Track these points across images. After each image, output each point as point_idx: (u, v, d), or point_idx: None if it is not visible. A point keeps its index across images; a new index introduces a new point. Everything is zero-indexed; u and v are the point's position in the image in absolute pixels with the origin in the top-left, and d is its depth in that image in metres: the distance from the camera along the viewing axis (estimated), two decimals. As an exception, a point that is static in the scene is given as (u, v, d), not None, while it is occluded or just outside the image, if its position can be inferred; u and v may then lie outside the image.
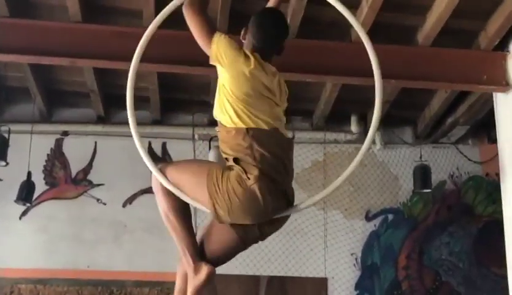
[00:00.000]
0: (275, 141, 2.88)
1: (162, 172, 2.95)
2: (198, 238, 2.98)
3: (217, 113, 2.94)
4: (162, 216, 2.99)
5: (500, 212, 6.87)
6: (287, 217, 3.02)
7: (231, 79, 2.86)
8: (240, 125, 2.83)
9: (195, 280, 2.90)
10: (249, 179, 2.76)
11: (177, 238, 2.95)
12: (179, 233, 2.93)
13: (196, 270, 2.90)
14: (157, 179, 2.96)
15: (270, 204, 2.80)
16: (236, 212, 2.79)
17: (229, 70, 2.87)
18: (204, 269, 2.89)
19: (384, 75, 4.94)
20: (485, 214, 7.07)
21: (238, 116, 2.84)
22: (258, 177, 2.75)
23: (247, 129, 2.82)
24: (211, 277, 2.90)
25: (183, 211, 2.96)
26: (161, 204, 2.99)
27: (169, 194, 2.93)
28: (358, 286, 6.79)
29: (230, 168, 2.83)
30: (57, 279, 6.48)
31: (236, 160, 2.82)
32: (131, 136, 6.68)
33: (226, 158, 2.90)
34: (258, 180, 2.75)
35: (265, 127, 2.86)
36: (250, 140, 2.80)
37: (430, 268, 6.92)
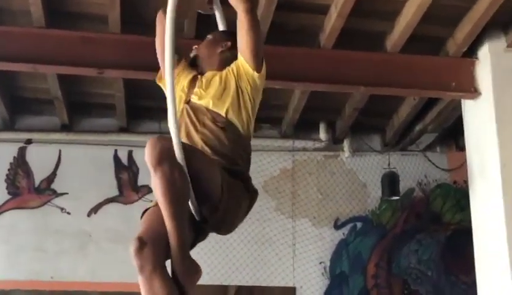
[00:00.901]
0: None
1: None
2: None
3: (232, 113, 2.94)
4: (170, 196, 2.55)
5: (467, 220, 6.91)
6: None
7: (257, 89, 3.00)
8: (249, 135, 2.99)
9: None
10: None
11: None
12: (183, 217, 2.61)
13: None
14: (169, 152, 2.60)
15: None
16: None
17: (261, 80, 2.98)
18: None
19: (353, 82, 5.01)
20: (454, 221, 7.09)
21: (248, 127, 2.97)
22: None
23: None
24: None
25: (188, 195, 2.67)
26: (176, 179, 2.58)
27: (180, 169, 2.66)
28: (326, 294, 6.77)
29: None
30: (19, 290, 6.33)
31: None
32: (96, 144, 6.70)
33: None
34: None
35: None
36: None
37: (398, 277, 6.92)
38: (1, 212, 6.50)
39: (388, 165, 6.74)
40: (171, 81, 2.69)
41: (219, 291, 6.47)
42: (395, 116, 6.69)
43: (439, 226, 7.10)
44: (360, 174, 7.05)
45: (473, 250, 6.68)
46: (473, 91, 4.98)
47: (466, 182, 6.97)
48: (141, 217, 2.80)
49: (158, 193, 2.56)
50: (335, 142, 7.04)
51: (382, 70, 5.00)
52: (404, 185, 6.88)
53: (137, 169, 6.75)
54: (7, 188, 6.59)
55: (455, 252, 6.98)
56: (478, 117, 5.00)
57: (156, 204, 2.67)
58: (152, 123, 6.71)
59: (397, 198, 6.75)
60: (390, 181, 6.59)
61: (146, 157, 2.60)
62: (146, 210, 2.82)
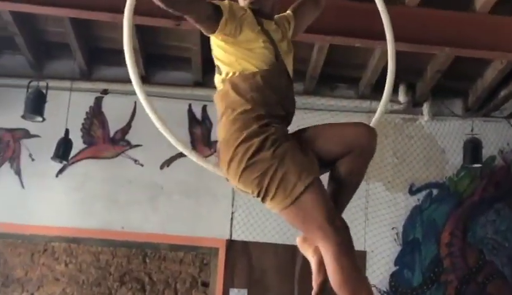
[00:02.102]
0: None
1: None
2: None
3: None
4: None
5: (550, 191, 6.68)
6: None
7: None
8: None
9: None
10: None
11: None
12: None
13: None
14: None
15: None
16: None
17: None
18: None
19: (438, 43, 4.81)
20: (535, 192, 6.88)
21: None
22: None
23: None
24: None
25: None
26: None
27: None
28: (398, 261, 6.67)
29: None
30: (91, 239, 6.50)
31: None
32: (171, 97, 6.70)
33: None
34: None
35: None
36: None
37: (473, 247, 6.76)
38: (76, 161, 6.63)
39: (471, 130, 6.50)
40: None
41: (288, 250, 6.44)
42: (479, 80, 6.46)
43: (519, 196, 6.87)
44: (439, 139, 6.86)
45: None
46: None
47: (550, 152, 6.78)
48: None
49: None
50: (414, 105, 6.86)
51: (469, 31, 4.77)
52: (485, 152, 6.65)
53: (211, 124, 6.75)
54: (82, 137, 6.70)
55: (536, 224, 6.78)
56: None
57: None
58: (228, 78, 6.66)
59: (479, 165, 6.53)
60: (473, 148, 6.36)
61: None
62: None
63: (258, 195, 2.53)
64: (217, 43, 2.67)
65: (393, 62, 2.78)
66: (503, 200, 6.85)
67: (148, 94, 6.67)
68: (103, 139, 6.75)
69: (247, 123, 2.57)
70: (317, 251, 2.64)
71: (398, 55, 5.56)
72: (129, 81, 6.84)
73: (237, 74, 2.64)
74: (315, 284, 2.64)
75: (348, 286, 2.42)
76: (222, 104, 2.68)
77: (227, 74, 2.67)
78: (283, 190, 2.46)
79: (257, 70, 2.62)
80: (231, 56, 2.65)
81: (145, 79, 6.67)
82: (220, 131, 2.67)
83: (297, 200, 2.46)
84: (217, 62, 2.72)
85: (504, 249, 6.76)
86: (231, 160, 2.56)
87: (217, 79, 2.74)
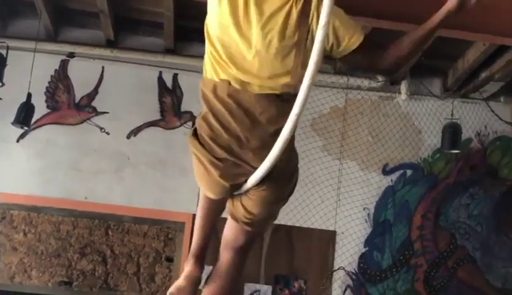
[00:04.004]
0: None
1: None
2: None
3: None
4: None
5: (527, 178, 6.69)
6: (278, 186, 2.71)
7: None
8: None
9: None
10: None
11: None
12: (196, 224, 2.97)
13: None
14: None
15: (213, 172, 2.65)
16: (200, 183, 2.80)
17: None
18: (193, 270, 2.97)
19: (420, 21, 4.70)
20: (510, 177, 6.87)
21: None
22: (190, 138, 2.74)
23: None
24: None
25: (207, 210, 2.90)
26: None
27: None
28: (367, 242, 6.64)
29: None
30: (52, 208, 6.35)
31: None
32: (140, 63, 6.56)
33: None
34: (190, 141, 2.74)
35: None
36: None
37: (445, 230, 6.76)
38: (39, 126, 6.46)
39: (451, 115, 6.44)
40: None
41: (256, 227, 6.39)
42: (460, 60, 6.39)
43: (494, 181, 6.87)
44: (416, 119, 6.80)
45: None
46: (552, 41, 4.63)
47: (528, 136, 6.78)
48: None
49: None
50: (392, 83, 6.80)
51: (454, 10, 4.67)
52: (462, 135, 6.62)
53: (182, 93, 6.63)
54: (46, 101, 6.52)
55: (509, 210, 6.79)
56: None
57: None
58: (201, 46, 6.47)
59: (457, 151, 6.49)
60: (452, 133, 6.31)
61: None
62: None
63: None
64: None
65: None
66: (478, 183, 6.84)
67: (117, 60, 6.62)
68: (68, 104, 6.58)
69: None
70: None
71: (377, 31, 5.51)
72: (97, 44, 6.76)
73: None
74: None
75: None
76: None
77: None
78: None
79: None
80: None
81: (114, 43, 6.52)
82: None
83: None
84: None
85: (476, 234, 6.77)
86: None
87: None
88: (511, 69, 6.23)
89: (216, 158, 2.56)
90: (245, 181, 2.59)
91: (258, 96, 2.53)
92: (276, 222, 6.28)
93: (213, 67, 2.60)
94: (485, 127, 6.93)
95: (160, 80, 6.63)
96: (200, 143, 2.59)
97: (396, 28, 4.73)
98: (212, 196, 2.71)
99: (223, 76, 2.55)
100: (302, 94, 2.05)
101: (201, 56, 6.37)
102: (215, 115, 2.56)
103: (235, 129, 2.54)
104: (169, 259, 6.37)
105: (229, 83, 2.54)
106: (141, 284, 6.36)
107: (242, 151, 2.55)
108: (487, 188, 6.85)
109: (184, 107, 6.57)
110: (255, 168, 2.49)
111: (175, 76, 6.66)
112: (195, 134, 2.63)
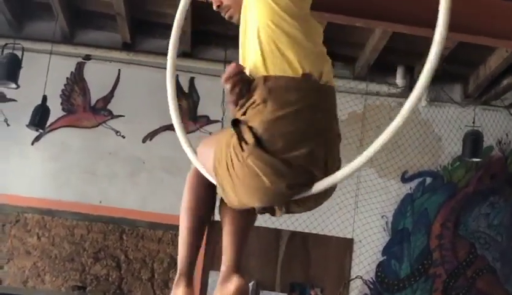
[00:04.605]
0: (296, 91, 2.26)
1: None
2: None
3: None
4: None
5: (548, 186, 6.59)
6: (326, 194, 2.43)
7: None
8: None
9: None
10: (243, 150, 2.20)
11: (180, 238, 2.68)
12: (181, 234, 2.66)
13: (177, 286, 2.63)
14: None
15: (280, 182, 2.21)
16: (241, 193, 2.27)
17: None
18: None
19: (450, 29, 4.64)
20: (531, 187, 6.79)
21: None
22: (253, 149, 2.19)
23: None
24: None
25: (196, 210, 2.62)
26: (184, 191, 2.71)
27: (199, 183, 2.62)
28: (385, 251, 6.57)
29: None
30: (66, 212, 6.33)
31: (234, 123, 2.27)
32: (158, 67, 6.54)
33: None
34: (253, 153, 2.19)
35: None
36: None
37: (465, 240, 6.68)
38: (54, 129, 6.45)
39: (473, 122, 6.34)
40: None
41: (272, 234, 6.35)
42: (481, 67, 6.31)
43: (515, 190, 6.78)
44: (436, 126, 6.73)
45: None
46: None
47: (550, 146, 6.69)
48: None
49: None
50: (412, 88, 6.69)
51: (477, 16, 4.60)
52: (482, 142, 6.55)
53: (198, 98, 6.60)
54: (61, 104, 6.53)
55: (530, 220, 6.70)
56: None
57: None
58: (217, 51, 6.51)
59: (478, 160, 6.39)
60: (473, 141, 6.22)
61: None
62: None
63: None
64: None
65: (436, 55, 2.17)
66: (498, 192, 6.76)
67: (133, 63, 6.59)
68: (83, 107, 6.58)
69: None
70: None
71: (398, 36, 5.46)
72: (113, 47, 6.75)
73: None
74: None
75: None
76: None
77: None
78: None
79: None
80: None
81: (130, 46, 6.50)
82: None
83: None
84: None
85: (496, 243, 6.68)
86: None
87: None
88: (533, 77, 6.17)
89: (287, 167, 2.21)
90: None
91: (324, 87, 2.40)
92: (292, 228, 6.33)
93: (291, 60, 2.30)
94: (507, 135, 6.84)
95: (176, 83, 6.56)
96: (266, 151, 2.20)
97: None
98: (256, 205, 2.33)
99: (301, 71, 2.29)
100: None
101: (218, 60, 6.47)
102: (294, 118, 2.24)
103: (313, 132, 2.29)
104: (184, 265, 6.32)
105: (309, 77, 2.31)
106: (155, 290, 6.32)
107: (316, 157, 2.27)
108: (507, 198, 6.76)
109: (200, 111, 6.54)
110: (319, 176, 2.26)
111: (191, 80, 6.64)
112: (258, 143, 2.20)
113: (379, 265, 6.54)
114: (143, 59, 6.50)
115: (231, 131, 2.25)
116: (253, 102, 2.24)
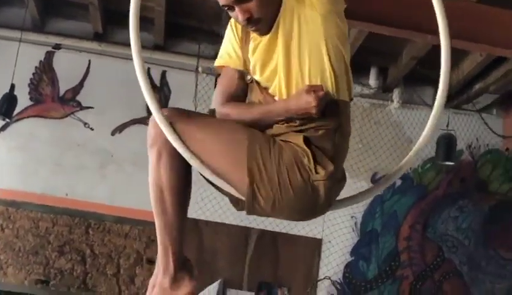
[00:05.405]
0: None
1: (174, 125, 2.19)
2: None
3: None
4: (153, 190, 2.26)
5: (516, 192, 6.66)
6: None
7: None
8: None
9: None
10: (317, 173, 2.17)
11: (163, 228, 2.28)
12: (169, 221, 2.25)
13: (176, 283, 2.31)
14: (162, 132, 2.19)
15: (329, 205, 2.28)
16: (282, 206, 2.18)
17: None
18: (187, 286, 2.30)
19: (419, 29, 4.64)
20: (500, 191, 6.85)
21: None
22: (330, 175, 2.19)
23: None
24: None
25: (184, 191, 2.29)
26: (160, 171, 2.24)
27: (177, 160, 2.22)
28: (354, 251, 6.59)
29: (281, 141, 2.23)
30: (31, 204, 6.24)
31: (307, 141, 2.21)
32: (128, 58, 6.44)
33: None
34: (329, 178, 2.18)
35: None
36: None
37: (433, 242, 6.72)
38: (21, 119, 6.35)
39: (447, 126, 6.38)
40: None
41: (241, 232, 6.33)
42: (455, 70, 6.34)
43: (483, 194, 6.85)
44: (408, 128, 6.74)
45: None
46: (552, 56, 4.60)
47: (519, 151, 6.76)
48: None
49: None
50: (384, 90, 6.75)
51: (455, 20, 4.60)
52: (452, 146, 6.59)
53: (169, 91, 6.55)
54: (29, 93, 6.43)
55: (498, 224, 6.78)
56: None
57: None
58: (191, 44, 6.46)
59: (452, 163, 6.42)
60: (447, 144, 6.24)
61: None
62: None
63: None
64: None
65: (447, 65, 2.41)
66: (467, 196, 6.81)
67: (104, 54, 6.51)
68: (52, 97, 6.48)
69: None
70: None
71: (373, 36, 5.46)
72: (84, 37, 6.65)
73: None
74: None
75: None
76: None
77: None
78: None
79: None
80: None
81: (102, 37, 6.42)
82: None
83: None
84: None
85: (464, 247, 6.73)
86: None
87: None
88: (505, 82, 6.24)
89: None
90: None
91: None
92: (262, 227, 6.30)
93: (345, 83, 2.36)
94: (477, 139, 6.89)
95: (148, 76, 6.51)
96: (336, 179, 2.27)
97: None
98: (295, 219, 2.39)
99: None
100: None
101: (191, 54, 6.40)
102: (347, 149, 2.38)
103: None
104: (150, 261, 6.27)
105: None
106: (120, 285, 6.26)
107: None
108: (476, 202, 6.82)
109: (171, 105, 6.47)
110: None
111: (163, 73, 6.58)
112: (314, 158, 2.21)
113: (347, 266, 6.56)
114: (115, 50, 6.40)
115: (268, 138, 2.23)
116: (324, 125, 2.24)
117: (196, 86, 6.32)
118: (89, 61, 6.51)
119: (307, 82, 2.22)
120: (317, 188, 2.18)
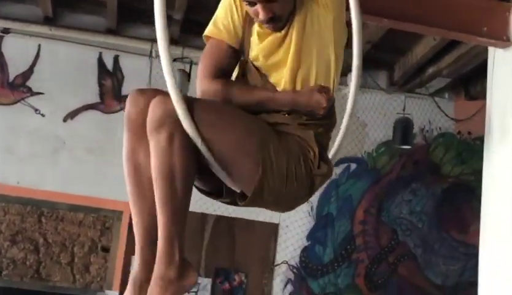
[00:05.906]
0: None
1: (191, 110, 2.13)
2: None
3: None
4: (162, 176, 2.12)
5: (467, 174, 6.77)
6: None
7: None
8: None
9: (178, 287, 2.15)
10: (319, 168, 2.30)
11: (170, 217, 2.16)
12: (178, 208, 2.16)
13: (181, 274, 2.17)
14: (171, 114, 2.12)
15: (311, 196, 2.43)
16: (282, 198, 2.27)
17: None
18: (193, 275, 2.20)
19: (374, 13, 4.65)
20: (452, 174, 6.94)
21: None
22: (330, 171, 2.38)
23: None
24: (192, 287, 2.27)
25: (194, 175, 2.20)
26: (173, 153, 2.12)
27: (191, 141, 2.14)
28: (310, 236, 6.62)
29: (287, 134, 2.31)
30: (-19, 193, 6.13)
31: (316, 138, 2.37)
32: (80, 43, 6.33)
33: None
34: (327, 176, 2.36)
35: None
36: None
37: (387, 226, 6.79)
38: (-31, 105, 6.21)
39: (403, 109, 6.41)
40: None
41: (198, 218, 6.29)
42: (409, 54, 6.39)
43: (436, 177, 6.95)
44: (363, 113, 6.77)
45: (469, 207, 6.59)
46: (505, 40, 4.61)
47: (470, 133, 6.85)
48: None
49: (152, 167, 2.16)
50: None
51: (406, 3, 4.63)
52: (405, 129, 6.63)
53: (122, 76, 6.45)
54: (-23, 79, 6.28)
55: (451, 207, 6.88)
56: (506, 68, 4.68)
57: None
58: (144, 28, 6.35)
59: (408, 147, 6.47)
60: (403, 128, 6.28)
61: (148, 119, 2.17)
62: None
63: None
64: None
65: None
66: (420, 180, 6.89)
67: (54, 38, 6.37)
68: (1, 83, 6.33)
69: None
70: None
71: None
72: (34, 21, 6.48)
73: None
74: None
75: None
76: None
77: None
78: None
79: None
80: None
81: (52, 20, 6.28)
82: None
83: None
84: None
85: (418, 230, 6.82)
86: None
87: None
88: (458, 66, 6.29)
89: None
90: None
91: None
92: (218, 213, 6.27)
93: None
94: (430, 123, 6.96)
95: (100, 61, 6.43)
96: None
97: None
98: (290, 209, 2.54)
99: None
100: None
101: (144, 38, 6.31)
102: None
103: None
104: (105, 249, 6.21)
105: None
106: (75, 274, 6.18)
107: None
108: (429, 185, 6.91)
109: (125, 90, 6.37)
110: None
111: (116, 58, 6.48)
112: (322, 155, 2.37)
113: (304, 250, 6.59)
114: (66, 34, 6.28)
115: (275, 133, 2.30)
116: (323, 123, 2.46)
117: (150, 71, 6.24)
118: (39, 45, 6.37)
119: (313, 82, 2.35)
120: (314, 181, 2.30)
